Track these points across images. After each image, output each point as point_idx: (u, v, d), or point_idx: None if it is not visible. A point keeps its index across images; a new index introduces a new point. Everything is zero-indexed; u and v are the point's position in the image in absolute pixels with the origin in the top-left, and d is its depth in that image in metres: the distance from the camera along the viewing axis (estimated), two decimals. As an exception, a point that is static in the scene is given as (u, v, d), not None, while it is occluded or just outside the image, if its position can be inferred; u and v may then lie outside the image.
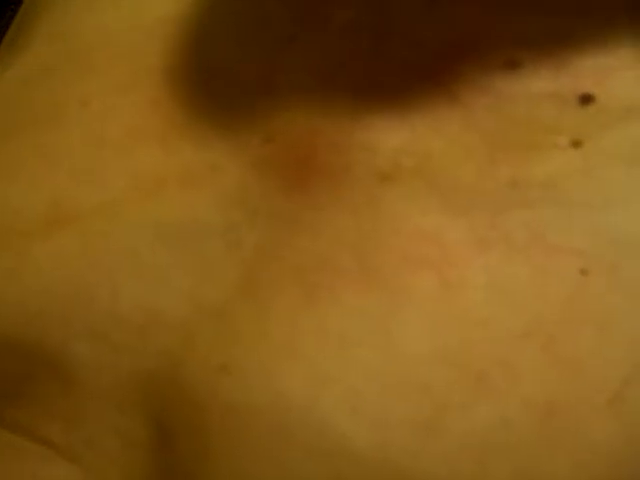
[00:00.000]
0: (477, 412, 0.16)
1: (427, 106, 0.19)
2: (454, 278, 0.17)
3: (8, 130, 0.22)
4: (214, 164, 0.20)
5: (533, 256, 0.17)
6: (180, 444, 0.18)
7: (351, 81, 0.19)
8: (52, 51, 0.23)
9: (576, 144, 0.18)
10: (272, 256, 0.19)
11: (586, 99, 0.18)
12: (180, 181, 0.20)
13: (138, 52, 0.22)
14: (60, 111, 0.22)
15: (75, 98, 0.22)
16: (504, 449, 0.16)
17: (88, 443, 0.19)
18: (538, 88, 0.18)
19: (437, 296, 0.17)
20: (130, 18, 0.22)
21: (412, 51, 0.19)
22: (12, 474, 0.20)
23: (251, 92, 0.20)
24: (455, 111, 0.19)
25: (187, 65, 0.21)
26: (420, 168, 0.18)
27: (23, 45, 0.24)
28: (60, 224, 0.20)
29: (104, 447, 0.19)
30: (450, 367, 0.17)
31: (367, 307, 0.17)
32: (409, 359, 0.17)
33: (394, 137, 0.19)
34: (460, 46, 0.19)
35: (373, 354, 0.17)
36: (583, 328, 0.17)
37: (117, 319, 0.19)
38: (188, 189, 0.20)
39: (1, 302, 0.20)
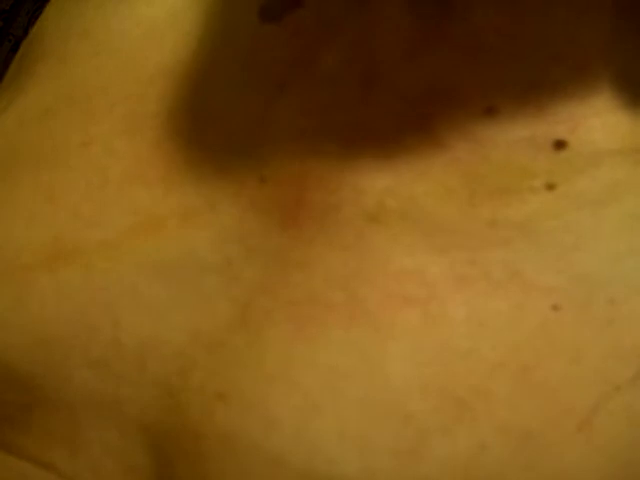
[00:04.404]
0: (457, 437, 0.18)
1: (412, 150, 0.20)
2: (436, 313, 0.18)
3: (6, 169, 0.23)
4: (213, 203, 0.21)
5: (509, 292, 0.18)
6: (179, 470, 0.19)
7: (339, 125, 0.21)
8: (52, 94, 0.24)
9: (550, 187, 0.19)
10: (267, 290, 0.20)
11: (559, 145, 0.20)
12: (180, 219, 0.21)
13: (137, 98, 0.23)
14: (61, 152, 0.23)
15: (76, 140, 0.23)
16: (483, 472, 0.17)
17: (91, 469, 0.20)
18: (515, 134, 0.20)
19: (420, 330, 0.18)
20: (130, 65, 0.24)
21: (397, 98, 0.20)
22: None
23: (246, 135, 0.21)
24: (438, 155, 0.20)
25: (186, 110, 0.22)
26: (404, 209, 0.20)
27: (22, 86, 0.25)
28: (63, 259, 0.21)
29: (106, 472, 0.20)
30: (431, 396, 0.18)
31: (354, 341, 0.19)
32: (393, 389, 0.18)
33: (380, 179, 0.20)
34: (443, 94, 0.20)
35: (360, 385, 0.18)
36: (554, 358, 0.18)
37: (117, 349, 0.20)
38: (188, 227, 0.21)
39: (6, 330, 0.21)
